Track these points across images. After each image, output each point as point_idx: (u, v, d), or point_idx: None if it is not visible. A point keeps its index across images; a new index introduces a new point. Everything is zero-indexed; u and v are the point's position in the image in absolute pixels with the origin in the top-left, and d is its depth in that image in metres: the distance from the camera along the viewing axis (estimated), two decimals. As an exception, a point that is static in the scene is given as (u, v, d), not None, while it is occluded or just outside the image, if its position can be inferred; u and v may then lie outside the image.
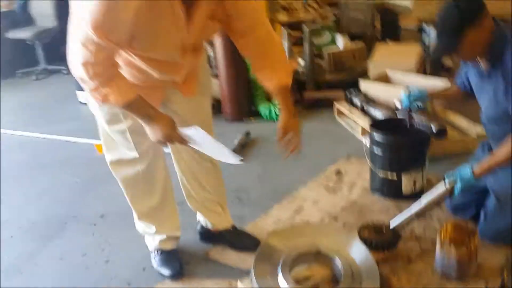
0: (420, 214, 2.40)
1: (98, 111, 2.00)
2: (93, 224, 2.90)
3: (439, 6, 2.18)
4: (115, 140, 2.08)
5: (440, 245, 2.16)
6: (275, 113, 4.30)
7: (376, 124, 3.01)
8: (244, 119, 4.41)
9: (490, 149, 2.47)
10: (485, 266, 2.23)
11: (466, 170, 2.23)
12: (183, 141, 1.86)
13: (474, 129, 3.50)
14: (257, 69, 1.99)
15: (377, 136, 2.83)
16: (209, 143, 1.92)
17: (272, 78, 1.94)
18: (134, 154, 2.10)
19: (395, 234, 2.38)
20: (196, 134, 1.85)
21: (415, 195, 2.82)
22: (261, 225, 2.74)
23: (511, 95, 2.10)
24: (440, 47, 2.21)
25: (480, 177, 2.23)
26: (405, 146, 2.62)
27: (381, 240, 2.32)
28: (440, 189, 2.32)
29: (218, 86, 4.33)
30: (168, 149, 2.30)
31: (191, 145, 1.91)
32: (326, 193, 3.05)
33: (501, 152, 2.17)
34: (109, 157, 2.17)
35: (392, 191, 2.88)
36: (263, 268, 2.04)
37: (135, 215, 2.36)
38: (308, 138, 4.00)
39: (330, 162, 3.47)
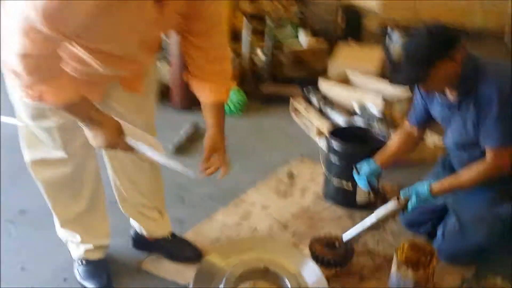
0: (373, 228, 2.24)
1: (19, 103, 1.68)
2: (10, 221, 2.53)
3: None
4: (38, 137, 1.76)
5: (397, 267, 1.99)
6: (228, 106, 4.03)
7: (334, 131, 2.83)
8: (193, 107, 4.10)
9: (450, 167, 2.34)
10: (441, 286, 2.10)
11: (423, 187, 2.09)
12: (128, 149, 1.62)
13: (431, 139, 3.40)
14: (196, 77, 1.76)
15: (336, 145, 2.65)
16: (159, 158, 1.71)
17: (211, 92, 1.76)
18: (61, 154, 1.79)
19: (348, 250, 2.20)
20: (144, 148, 1.64)
21: (369, 205, 2.68)
22: (203, 231, 2.48)
23: (485, 125, 1.98)
24: (406, 77, 2.04)
25: (437, 196, 2.12)
26: (362, 155, 2.45)
27: (333, 256, 2.14)
28: (393, 205, 2.17)
29: (170, 72, 4.01)
30: None
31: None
32: (277, 198, 2.84)
33: (465, 177, 2.08)
34: (29, 155, 1.84)
35: (346, 200, 2.71)
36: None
37: (56, 222, 2.03)
38: (261, 134, 3.78)
39: (282, 163, 3.26)
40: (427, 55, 1.93)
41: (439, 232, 2.31)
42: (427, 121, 2.34)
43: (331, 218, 2.63)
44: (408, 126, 2.40)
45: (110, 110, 1.71)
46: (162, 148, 1.75)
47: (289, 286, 1.91)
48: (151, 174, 2.09)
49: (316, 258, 2.14)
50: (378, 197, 2.46)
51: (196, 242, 2.34)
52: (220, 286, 1.85)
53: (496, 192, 2.21)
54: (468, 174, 2.07)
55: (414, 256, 2.14)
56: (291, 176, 3.08)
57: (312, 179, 3.05)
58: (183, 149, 3.41)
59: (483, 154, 2.04)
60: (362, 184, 2.34)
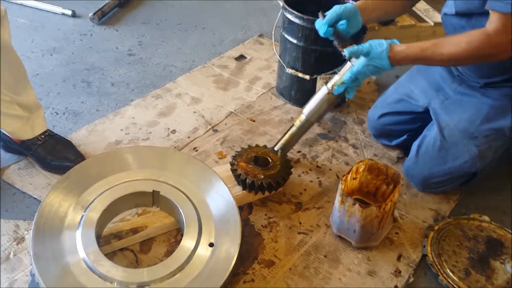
0: (304, 129, 1.60)
1: None
2: None
3: None
4: None
5: (340, 199, 1.40)
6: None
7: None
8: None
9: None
10: (403, 227, 1.53)
11: (380, 48, 1.39)
12: None
13: (432, 14, 2.62)
14: None
15: (291, 16, 1.89)
16: None
17: None
18: None
19: (284, 167, 1.59)
20: None
21: (340, 102, 2.03)
22: (101, 131, 1.86)
23: None
24: None
25: (398, 64, 1.41)
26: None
27: (261, 175, 1.53)
28: (323, 91, 1.53)
29: None
30: None
31: None
32: (214, 89, 2.16)
33: (448, 45, 1.35)
34: None
35: (302, 95, 2.02)
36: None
37: None
38: (218, 2, 2.99)
39: (234, 42, 2.53)
40: None
41: (413, 148, 1.68)
42: None
43: (279, 120, 1.99)
44: None
45: None
46: None
47: (183, 217, 1.34)
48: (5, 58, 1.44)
49: (238, 177, 1.54)
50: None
51: (85, 145, 1.74)
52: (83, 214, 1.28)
53: (500, 99, 1.54)
54: (454, 41, 1.35)
55: (372, 183, 1.55)
56: (240, 59, 2.38)
57: (268, 66, 2.35)
58: (106, 16, 2.65)
59: None
60: (322, 31, 1.53)
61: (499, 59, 1.33)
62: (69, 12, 2.62)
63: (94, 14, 2.56)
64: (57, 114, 1.92)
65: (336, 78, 1.49)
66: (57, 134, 1.70)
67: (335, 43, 1.52)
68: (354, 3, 1.57)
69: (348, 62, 1.47)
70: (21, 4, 2.69)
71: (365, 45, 1.39)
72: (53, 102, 1.98)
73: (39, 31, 2.49)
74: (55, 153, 1.64)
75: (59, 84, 2.09)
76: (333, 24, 1.53)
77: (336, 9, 1.52)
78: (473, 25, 1.37)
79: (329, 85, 1.51)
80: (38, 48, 2.34)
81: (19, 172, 1.63)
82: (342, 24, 1.54)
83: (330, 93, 1.51)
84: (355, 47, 1.40)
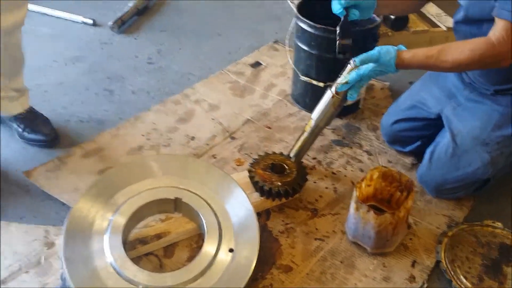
0: (315, 135, 1.65)
1: None
2: None
3: None
4: None
5: (355, 206, 1.44)
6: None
7: (305, 4, 2.07)
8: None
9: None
10: (417, 233, 1.57)
11: (389, 53, 1.43)
12: None
13: (445, 19, 2.65)
14: None
15: (305, 25, 1.94)
16: None
17: None
18: None
19: (300, 174, 1.64)
20: None
21: (348, 110, 2.08)
22: (123, 136, 1.92)
23: None
24: None
25: (403, 68, 1.46)
26: (343, 45, 1.74)
27: (278, 182, 1.58)
28: (328, 95, 1.57)
29: None
30: None
31: None
32: (231, 96, 2.22)
33: (452, 52, 1.40)
34: None
35: (316, 103, 2.05)
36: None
37: None
38: (231, 9, 3.04)
39: (250, 49, 2.59)
40: None
41: (426, 155, 1.72)
42: None
43: (294, 127, 2.04)
44: None
45: None
46: None
47: (204, 223, 1.40)
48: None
49: (256, 184, 1.60)
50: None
51: (108, 150, 1.82)
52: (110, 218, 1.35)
53: (508, 106, 1.58)
54: (458, 48, 1.40)
55: (386, 190, 1.59)
56: (257, 66, 2.44)
57: (283, 73, 2.40)
58: (125, 25, 2.72)
59: None
60: (336, 9, 1.56)
61: (501, 65, 1.38)
62: (90, 21, 2.69)
63: (114, 23, 2.64)
64: (82, 122, 1.99)
65: (339, 79, 1.53)
66: (37, 111, 1.91)
67: (337, 32, 1.55)
68: None
69: (349, 64, 1.50)
70: (42, 13, 2.77)
71: (374, 53, 1.43)
72: (77, 110, 2.05)
73: (60, 40, 2.57)
74: (33, 127, 1.84)
75: (82, 93, 2.17)
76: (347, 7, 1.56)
77: None
78: (484, 33, 1.41)
79: (333, 88, 1.55)
80: (60, 57, 2.42)
81: (46, 174, 1.71)
82: (354, 13, 1.57)
83: (334, 96, 1.55)
84: (365, 55, 1.44)
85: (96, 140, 1.88)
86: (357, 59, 1.46)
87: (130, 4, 2.81)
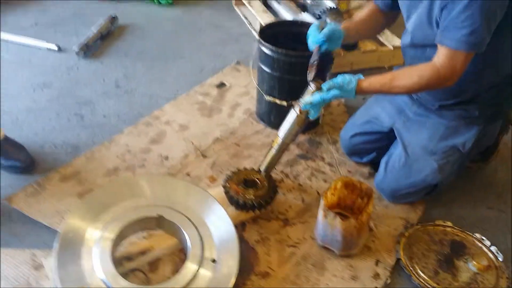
0: (282, 150, 1.80)
1: None
2: None
3: None
4: None
5: (323, 213, 1.60)
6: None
7: (267, 29, 2.24)
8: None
9: None
10: (378, 235, 1.75)
11: (350, 82, 1.61)
12: None
13: (392, 38, 2.89)
14: None
15: (267, 49, 2.10)
16: None
17: None
18: None
19: (271, 188, 1.78)
20: None
21: (310, 127, 2.24)
22: (99, 158, 2.00)
23: (450, 16, 1.47)
24: None
25: (362, 94, 1.68)
26: (301, 66, 1.92)
27: (251, 196, 1.71)
28: (293, 114, 1.75)
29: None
30: None
31: None
32: (199, 116, 2.35)
33: (403, 78, 1.60)
34: None
35: (280, 120, 2.21)
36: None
37: None
38: (193, 30, 3.18)
39: (213, 70, 2.72)
40: None
41: (382, 165, 1.91)
42: (392, 6, 1.80)
43: (261, 144, 2.18)
44: (373, 5, 1.86)
45: None
46: None
47: (186, 238, 1.51)
48: None
49: (231, 199, 1.72)
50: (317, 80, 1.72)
51: (85, 173, 1.89)
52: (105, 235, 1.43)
53: (454, 120, 1.79)
54: (407, 74, 1.60)
55: (349, 198, 1.76)
56: (221, 86, 2.57)
57: (247, 92, 2.55)
58: (90, 50, 2.79)
59: None
60: (314, 40, 1.73)
61: (446, 86, 1.57)
62: (55, 47, 2.74)
63: (80, 49, 2.70)
64: (56, 147, 2.05)
65: (302, 100, 1.69)
66: (11, 138, 1.95)
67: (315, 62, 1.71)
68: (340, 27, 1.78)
69: (309, 87, 1.68)
70: (5, 40, 2.79)
71: (338, 81, 1.61)
72: (51, 136, 2.11)
73: (26, 67, 2.61)
74: (8, 154, 1.89)
75: (53, 119, 2.22)
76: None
77: (334, 28, 1.73)
78: (428, 56, 1.61)
79: (297, 108, 1.72)
80: (28, 84, 2.46)
81: (26, 199, 1.76)
82: (325, 45, 1.74)
83: (298, 115, 1.72)
84: (331, 83, 1.62)
85: (72, 164, 1.95)
86: (324, 86, 1.63)
87: (93, 29, 2.88)
